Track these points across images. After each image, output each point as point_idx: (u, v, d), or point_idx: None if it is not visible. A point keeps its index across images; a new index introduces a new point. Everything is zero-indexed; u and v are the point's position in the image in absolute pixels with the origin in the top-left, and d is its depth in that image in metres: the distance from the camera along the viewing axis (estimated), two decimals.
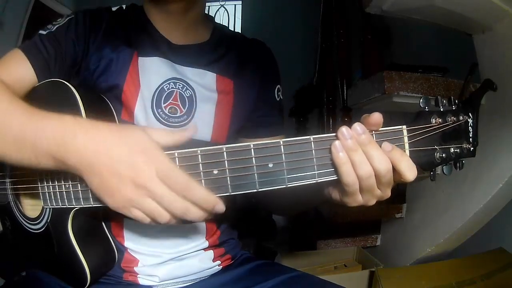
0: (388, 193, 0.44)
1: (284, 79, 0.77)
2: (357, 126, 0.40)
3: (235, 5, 3.44)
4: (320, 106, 2.09)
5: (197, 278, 0.67)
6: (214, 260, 0.68)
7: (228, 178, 0.42)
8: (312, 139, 0.42)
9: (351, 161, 0.40)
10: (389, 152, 0.41)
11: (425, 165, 0.43)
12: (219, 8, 3.29)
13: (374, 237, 1.53)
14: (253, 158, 0.42)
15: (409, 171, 0.41)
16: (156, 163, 0.41)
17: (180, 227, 0.64)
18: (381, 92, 1.13)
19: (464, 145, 0.43)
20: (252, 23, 3.26)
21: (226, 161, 0.42)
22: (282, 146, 0.42)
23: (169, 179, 0.41)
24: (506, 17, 1.00)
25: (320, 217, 1.55)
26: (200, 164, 0.42)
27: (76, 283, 0.56)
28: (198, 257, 0.66)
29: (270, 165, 0.42)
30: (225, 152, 0.42)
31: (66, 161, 0.43)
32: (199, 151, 0.42)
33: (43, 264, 0.61)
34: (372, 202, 0.44)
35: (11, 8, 2.05)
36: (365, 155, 0.40)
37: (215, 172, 0.42)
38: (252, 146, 0.42)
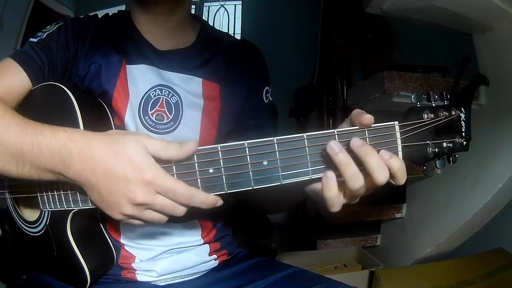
0: (370, 192, 0.44)
1: (284, 79, 0.77)
2: (355, 140, 0.41)
3: (235, 5, 3.44)
4: (320, 106, 2.09)
5: (195, 273, 0.67)
6: (210, 254, 0.69)
7: (223, 176, 0.43)
8: (305, 137, 0.42)
9: (344, 176, 0.40)
10: (388, 160, 0.40)
11: (417, 160, 0.44)
12: (219, 8, 3.29)
13: (374, 237, 1.53)
14: (248, 156, 0.42)
15: (403, 178, 0.41)
16: (154, 180, 0.41)
17: (174, 227, 0.65)
18: (381, 92, 1.13)
19: (457, 140, 0.43)
20: (252, 23, 3.26)
21: (221, 160, 0.43)
22: (276, 144, 0.42)
23: (171, 193, 0.42)
24: (506, 17, 1.00)
25: (320, 217, 1.55)
26: (196, 164, 0.43)
27: (76, 284, 0.56)
28: (195, 250, 0.67)
29: (265, 163, 0.42)
30: (220, 151, 0.43)
31: (65, 176, 0.45)
32: None
33: (43, 266, 0.61)
34: (355, 201, 0.44)
35: (11, 8, 2.05)
36: (357, 168, 0.40)
37: (211, 171, 0.43)
38: (246, 144, 0.42)
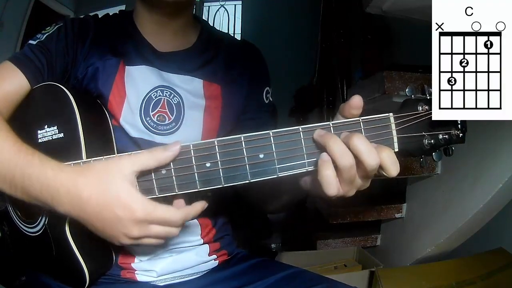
0: (368, 184, 0.44)
1: (284, 79, 0.77)
2: (343, 133, 0.41)
3: (235, 5, 3.44)
4: (320, 106, 2.09)
5: (195, 273, 0.67)
6: (210, 254, 0.69)
7: (220, 170, 0.43)
8: (300, 129, 0.43)
9: (332, 154, 0.40)
10: (375, 149, 0.40)
11: (414, 151, 0.44)
12: (219, 8, 3.29)
13: (374, 237, 1.53)
14: (244, 150, 0.43)
15: (393, 167, 0.40)
16: (145, 217, 0.43)
17: None
18: (381, 92, 1.13)
19: (453, 132, 0.43)
20: (252, 23, 3.26)
21: (218, 154, 0.43)
22: (271, 137, 0.43)
23: (164, 222, 0.45)
24: None
25: (320, 217, 1.55)
26: (193, 158, 0.44)
27: (75, 284, 0.56)
28: (194, 250, 0.67)
29: (261, 156, 0.43)
30: (216, 145, 0.43)
31: (56, 210, 0.46)
32: (191, 146, 0.44)
33: (42, 267, 0.61)
34: (353, 192, 0.43)
35: (11, 8, 2.05)
36: (345, 146, 0.40)
37: (208, 165, 0.43)
38: (242, 138, 0.43)
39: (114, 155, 0.47)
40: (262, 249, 1.82)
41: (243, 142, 0.43)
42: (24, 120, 0.60)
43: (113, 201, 0.43)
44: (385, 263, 1.33)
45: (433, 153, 0.44)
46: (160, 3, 0.63)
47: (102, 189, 0.43)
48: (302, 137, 0.43)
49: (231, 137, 0.43)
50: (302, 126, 0.43)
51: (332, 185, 0.41)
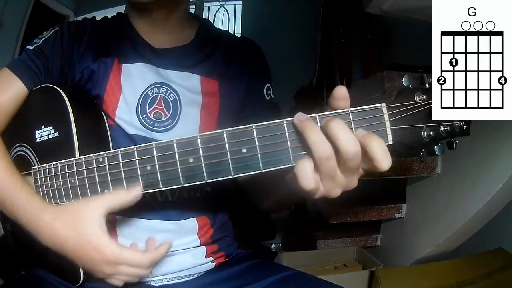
0: (355, 182, 0.40)
1: (284, 79, 0.77)
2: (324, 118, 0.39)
3: (235, 5, 3.44)
4: (320, 106, 2.09)
5: (190, 275, 0.67)
6: (206, 256, 0.68)
7: (203, 165, 0.42)
8: (284, 122, 0.40)
9: (309, 143, 0.37)
10: (362, 138, 0.37)
11: (412, 144, 0.40)
12: (219, 8, 3.30)
13: (374, 237, 1.53)
14: (226, 144, 0.41)
15: (383, 159, 0.37)
16: (114, 259, 0.49)
17: (171, 226, 0.65)
18: (381, 92, 1.13)
19: (456, 123, 0.39)
20: (252, 23, 3.26)
21: (200, 149, 0.42)
22: (254, 130, 0.41)
23: (132, 264, 0.50)
24: None
25: (320, 217, 1.55)
26: (176, 153, 0.43)
27: (70, 279, 0.56)
28: (191, 252, 0.67)
29: (244, 150, 0.41)
30: (199, 140, 0.42)
31: (40, 241, 0.52)
32: (174, 141, 0.43)
33: (41, 262, 0.61)
34: (337, 191, 0.40)
35: (11, 8, 2.05)
36: (325, 135, 0.37)
37: (191, 160, 0.43)
38: (224, 132, 0.42)
39: (84, 198, 0.51)
40: (262, 249, 1.82)
41: (225, 136, 0.41)
42: (23, 120, 0.62)
43: (86, 244, 0.48)
44: (385, 263, 1.33)
45: (435, 146, 0.40)
46: (139, 4, 0.64)
47: (76, 234, 0.49)
48: (286, 130, 0.40)
49: (213, 132, 0.42)
50: (286, 119, 0.40)
51: (307, 177, 0.38)
